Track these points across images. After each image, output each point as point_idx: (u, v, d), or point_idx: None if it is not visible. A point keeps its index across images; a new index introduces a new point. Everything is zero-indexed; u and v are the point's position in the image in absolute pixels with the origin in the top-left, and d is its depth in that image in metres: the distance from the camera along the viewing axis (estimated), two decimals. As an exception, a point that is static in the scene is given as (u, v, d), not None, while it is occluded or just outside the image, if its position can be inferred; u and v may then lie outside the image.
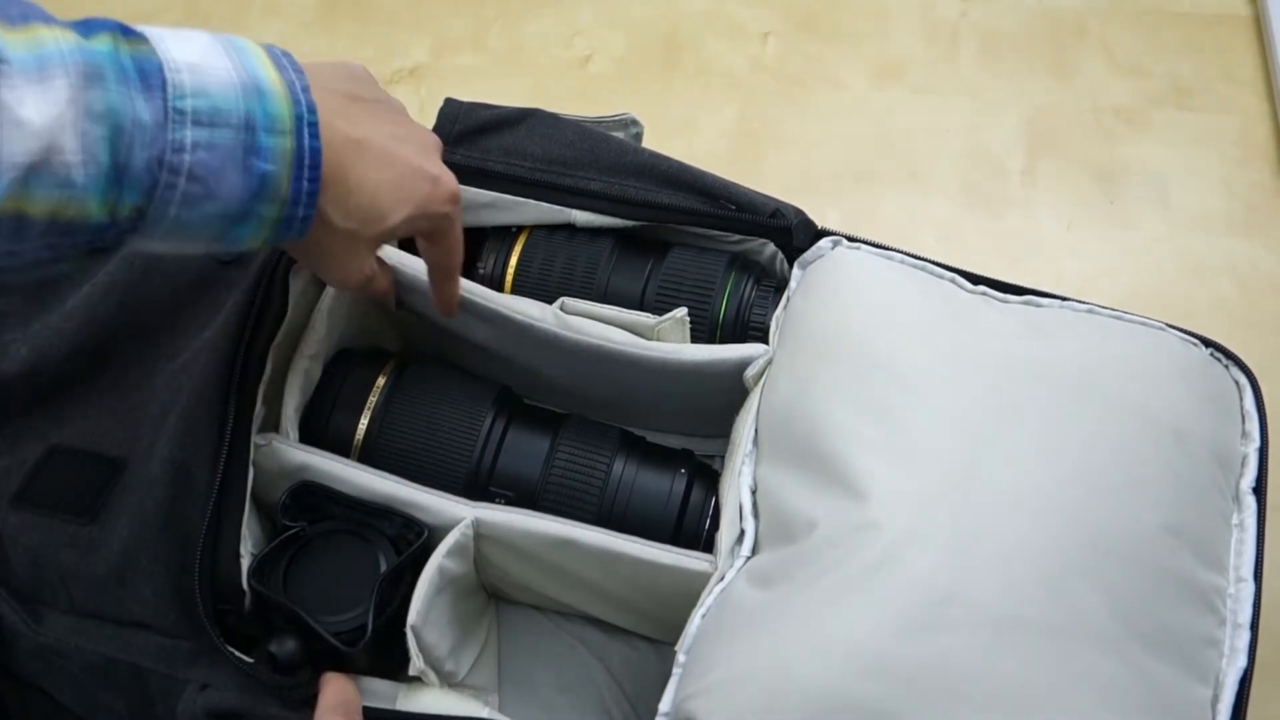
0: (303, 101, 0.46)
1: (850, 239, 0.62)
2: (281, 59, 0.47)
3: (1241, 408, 0.58)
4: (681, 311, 0.60)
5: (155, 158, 0.42)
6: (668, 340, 0.60)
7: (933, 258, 0.61)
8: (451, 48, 0.90)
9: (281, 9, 0.92)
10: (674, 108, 0.87)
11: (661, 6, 0.91)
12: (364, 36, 0.90)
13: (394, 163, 0.51)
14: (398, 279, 0.62)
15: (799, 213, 0.63)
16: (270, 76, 0.46)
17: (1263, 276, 0.79)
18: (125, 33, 0.43)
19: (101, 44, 0.42)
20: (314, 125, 0.46)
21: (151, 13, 0.92)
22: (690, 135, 0.85)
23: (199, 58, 0.44)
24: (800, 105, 0.87)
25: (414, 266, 0.62)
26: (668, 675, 0.51)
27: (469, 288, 0.61)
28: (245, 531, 0.54)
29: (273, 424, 0.59)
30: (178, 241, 0.45)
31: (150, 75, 0.42)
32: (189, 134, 0.43)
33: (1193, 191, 0.82)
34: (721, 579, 0.53)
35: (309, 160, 0.46)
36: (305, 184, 0.46)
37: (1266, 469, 0.56)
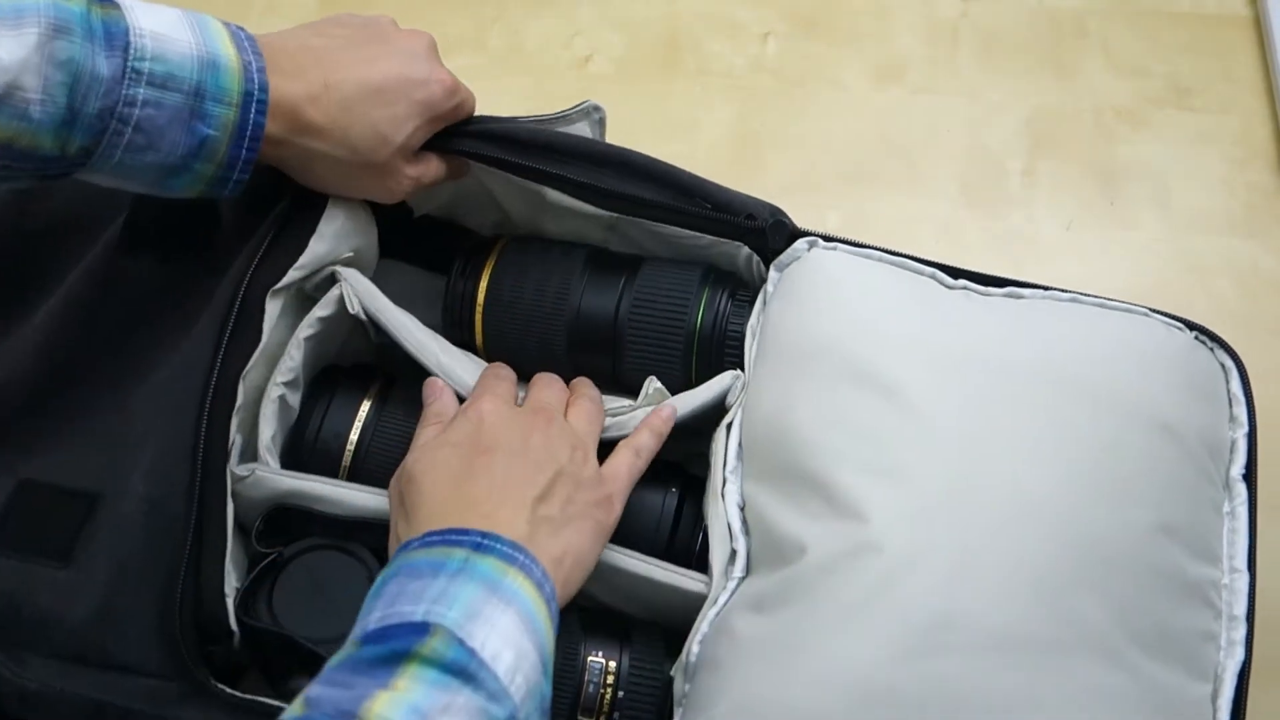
0: (255, 80, 0.51)
1: (827, 238, 0.60)
2: (244, 41, 0.52)
3: (1228, 391, 0.57)
4: (654, 384, 0.60)
5: (108, 108, 0.48)
6: (649, 405, 0.59)
7: (927, 257, 0.60)
8: (451, 48, 0.89)
9: (282, 8, 0.92)
10: (674, 108, 0.87)
11: (661, 6, 0.91)
12: (364, 36, 0.90)
13: (375, 88, 0.55)
14: (375, 322, 0.60)
15: (775, 212, 0.61)
16: (228, 54, 0.51)
17: (1263, 276, 0.79)
18: None
19: (76, 3, 0.48)
20: (263, 104, 0.52)
21: (151, 12, 0.92)
22: (690, 135, 0.85)
23: (165, 28, 0.50)
24: (800, 105, 0.87)
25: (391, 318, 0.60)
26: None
27: (421, 350, 0.59)
28: (230, 566, 0.53)
29: (253, 454, 0.57)
30: (119, 181, 0.52)
31: (116, 36, 0.48)
32: (142, 91, 0.49)
33: (1193, 191, 0.82)
34: (715, 603, 0.53)
35: (250, 133, 0.52)
36: (244, 153, 0.52)
37: (1256, 454, 0.56)
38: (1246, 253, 0.80)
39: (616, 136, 0.84)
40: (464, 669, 0.41)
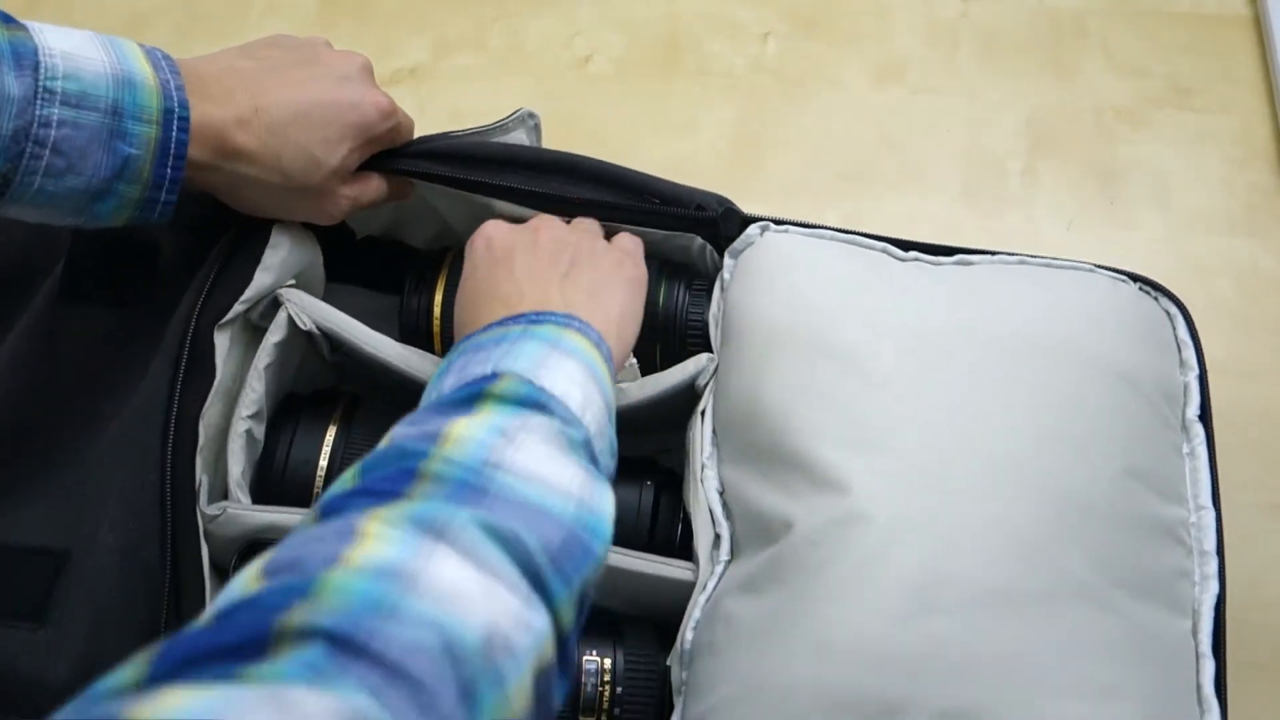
0: (174, 98, 0.50)
1: (778, 222, 0.61)
2: (160, 60, 0.51)
3: (1176, 337, 0.59)
4: (629, 359, 0.60)
5: (22, 129, 0.47)
6: (621, 381, 0.60)
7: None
8: (451, 48, 0.90)
9: (281, 9, 0.92)
10: (674, 108, 0.87)
11: (661, 6, 0.91)
12: (364, 36, 0.90)
13: (305, 111, 0.55)
14: (327, 334, 0.59)
15: (723, 201, 0.62)
16: (144, 71, 0.50)
17: (1263, 276, 0.79)
18: (6, 20, 0.47)
19: None
20: (184, 120, 0.50)
21: (151, 13, 0.92)
22: (690, 135, 0.85)
23: (75, 48, 0.48)
24: (800, 105, 0.87)
25: (343, 325, 0.60)
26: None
27: (379, 346, 0.59)
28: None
29: (221, 492, 0.56)
30: (44, 211, 0.50)
31: (24, 56, 0.47)
32: (56, 112, 0.47)
33: (1193, 191, 0.82)
34: (704, 588, 0.53)
35: (175, 151, 0.50)
36: (169, 172, 0.51)
37: (1209, 396, 0.57)
38: (1246, 253, 0.80)
39: (617, 136, 0.84)
40: (536, 400, 0.44)
